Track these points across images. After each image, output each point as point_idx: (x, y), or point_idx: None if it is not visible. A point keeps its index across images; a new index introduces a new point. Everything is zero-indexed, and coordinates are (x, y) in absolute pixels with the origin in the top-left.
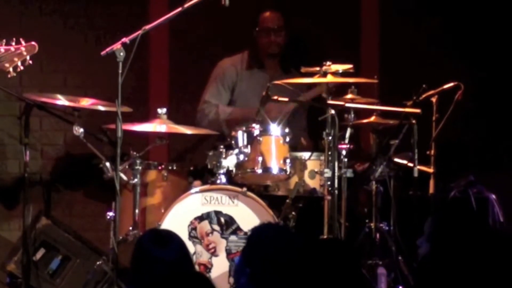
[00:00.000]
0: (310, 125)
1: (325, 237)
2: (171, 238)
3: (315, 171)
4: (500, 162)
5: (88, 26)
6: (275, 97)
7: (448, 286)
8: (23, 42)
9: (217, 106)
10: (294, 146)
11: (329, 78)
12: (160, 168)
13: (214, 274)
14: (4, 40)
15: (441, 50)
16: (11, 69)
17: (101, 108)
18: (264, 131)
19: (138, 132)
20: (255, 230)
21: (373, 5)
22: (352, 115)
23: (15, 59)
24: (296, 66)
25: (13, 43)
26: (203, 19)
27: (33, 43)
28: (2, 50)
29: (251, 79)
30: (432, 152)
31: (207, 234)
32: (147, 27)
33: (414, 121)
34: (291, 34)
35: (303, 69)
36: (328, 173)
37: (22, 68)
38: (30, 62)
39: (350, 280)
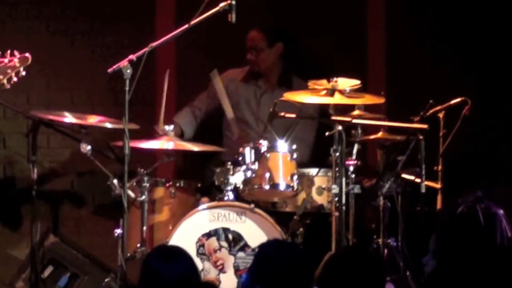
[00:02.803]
0: (317, 141)
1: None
2: (179, 254)
3: (322, 187)
4: (508, 178)
5: (95, 43)
6: (282, 113)
7: None
8: (16, 54)
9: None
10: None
11: (336, 97)
12: (167, 185)
13: None
14: None
15: (448, 65)
16: (5, 81)
17: (108, 125)
18: (272, 148)
19: (145, 149)
20: (263, 246)
21: (379, 21)
22: (359, 131)
23: (9, 71)
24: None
25: (8, 55)
26: (209, 35)
27: (26, 54)
28: None
29: (246, 91)
30: (440, 167)
31: (215, 251)
32: (154, 44)
33: (421, 137)
34: (296, 48)
35: (310, 83)
36: (335, 189)
37: (16, 80)
38: (24, 73)
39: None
